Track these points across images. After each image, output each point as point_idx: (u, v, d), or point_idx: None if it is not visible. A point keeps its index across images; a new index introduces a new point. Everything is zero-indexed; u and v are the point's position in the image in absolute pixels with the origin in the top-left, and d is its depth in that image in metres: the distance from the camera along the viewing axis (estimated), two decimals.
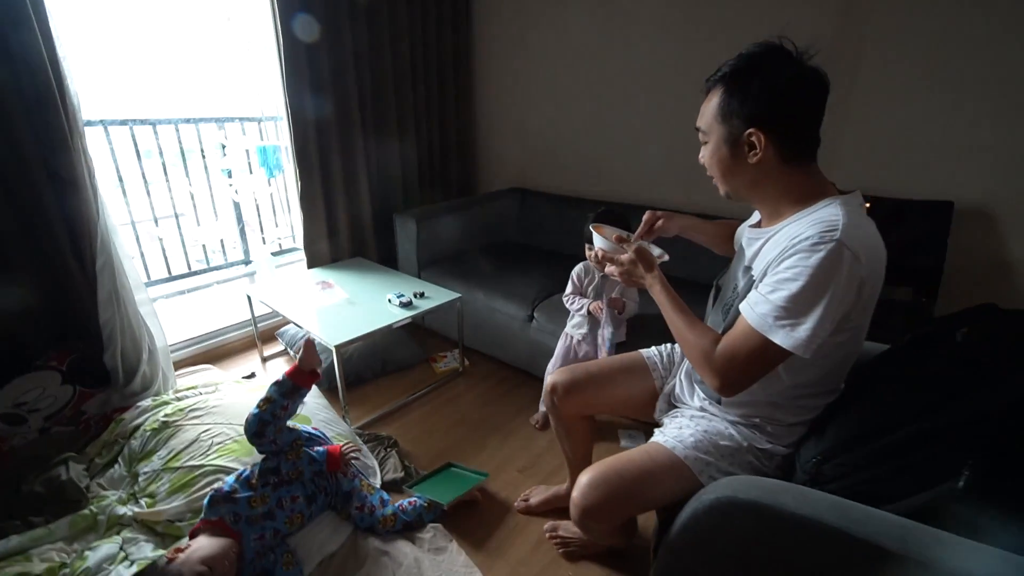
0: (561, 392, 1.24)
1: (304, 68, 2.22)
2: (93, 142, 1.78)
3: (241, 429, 1.53)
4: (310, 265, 2.50)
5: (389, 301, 2.01)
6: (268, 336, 2.50)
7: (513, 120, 2.90)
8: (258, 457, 1.37)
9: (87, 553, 1.18)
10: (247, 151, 3.07)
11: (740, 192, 0.95)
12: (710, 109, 0.91)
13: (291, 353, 2.34)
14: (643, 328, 1.78)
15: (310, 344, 1.40)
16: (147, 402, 1.72)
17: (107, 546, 1.21)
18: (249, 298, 2.24)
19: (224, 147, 2.88)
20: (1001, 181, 1.66)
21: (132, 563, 1.19)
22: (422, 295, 2.06)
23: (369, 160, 2.57)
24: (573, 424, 1.30)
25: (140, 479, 1.44)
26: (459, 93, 2.92)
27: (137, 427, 1.61)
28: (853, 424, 0.88)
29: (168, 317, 2.05)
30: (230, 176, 3.10)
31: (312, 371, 1.39)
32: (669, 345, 1.28)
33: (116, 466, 1.52)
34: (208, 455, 1.46)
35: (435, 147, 2.89)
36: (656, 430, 1.10)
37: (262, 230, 3.22)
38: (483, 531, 1.44)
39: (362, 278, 2.30)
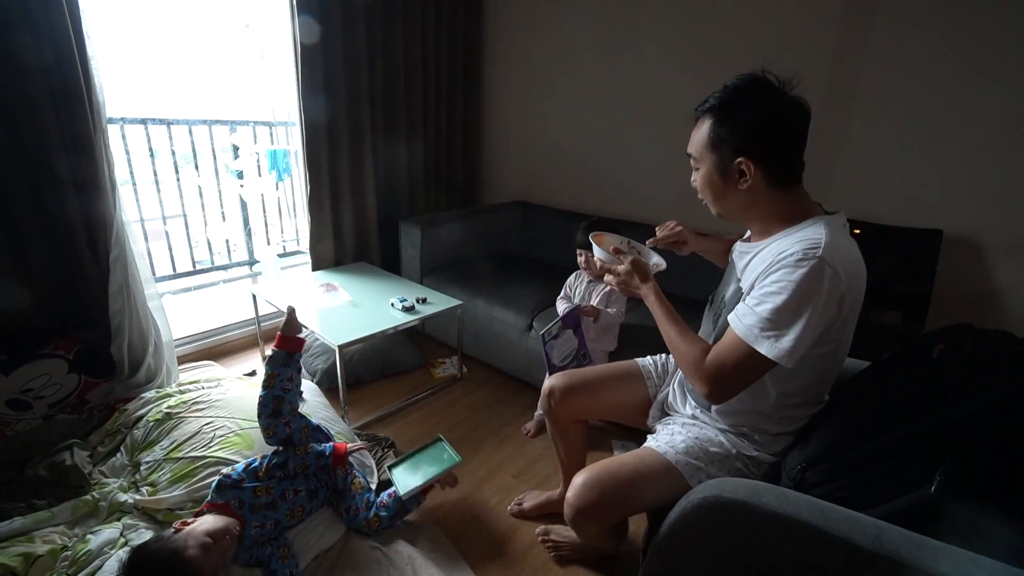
0: (558, 395, 1.28)
1: (319, 76, 2.29)
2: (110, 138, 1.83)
3: (242, 423, 1.57)
4: (314, 268, 2.55)
5: (392, 305, 2.05)
6: (270, 335, 2.53)
7: (517, 135, 2.98)
8: (262, 450, 1.40)
9: (88, 537, 1.20)
10: (257, 154, 3.14)
11: (731, 213, 1.01)
12: (700, 138, 0.97)
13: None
14: (636, 339, 1.82)
15: (292, 312, 1.40)
16: (150, 393, 1.75)
17: (108, 531, 1.23)
18: (254, 297, 2.29)
19: (237, 149, 2.94)
20: (988, 212, 1.73)
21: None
22: (424, 300, 2.10)
23: (377, 167, 2.64)
24: (569, 428, 1.34)
25: (142, 468, 1.47)
26: (466, 108, 3.00)
27: (140, 417, 1.64)
28: (834, 433, 0.92)
29: (172, 313, 2.09)
30: (240, 177, 3.16)
31: (294, 336, 1.40)
32: (663, 355, 1.32)
33: (118, 455, 1.55)
34: (210, 447, 1.49)
35: (441, 158, 2.96)
36: (649, 436, 1.14)
37: (267, 231, 3.27)
38: (477, 533, 1.46)
39: (365, 282, 2.35)
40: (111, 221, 1.71)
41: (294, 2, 2.15)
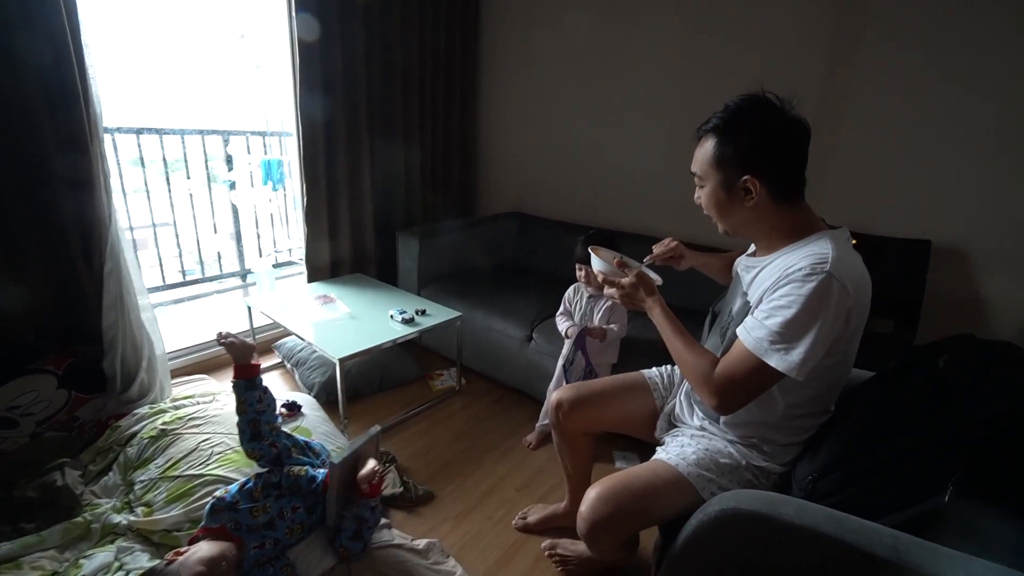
0: (566, 408, 1.28)
1: (318, 87, 2.29)
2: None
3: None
4: (310, 279, 2.53)
5: (391, 317, 2.04)
6: (264, 348, 2.50)
7: (514, 145, 3.00)
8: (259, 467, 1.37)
9: (82, 561, 1.16)
10: (249, 164, 3.11)
11: (737, 229, 1.03)
12: (704, 156, 0.98)
13: (287, 366, 2.34)
14: (637, 352, 1.83)
15: (228, 344, 1.33)
16: (144, 409, 1.71)
17: (102, 555, 1.19)
18: (249, 309, 2.26)
19: (231, 159, 2.92)
20: (975, 222, 1.78)
21: (128, 573, 1.17)
22: (424, 312, 2.09)
23: (374, 179, 2.63)
24: (576, 440, 1.34)
25: (136, 487, 1.43)
26: (463, 117, 3.02)
27: (134, 434, 1.59)
28: (844, 443, 0.93)
29: (164, 326, 2.05)
30: (233, 188, 3.13)
31: (246, 364, 1.33)
32: (669, 366, 1.33)
33: (111, 473, 1.50)
34: (208, 464, 1.45)
35: (438, 170, 2.97)
36: (658, 448, 1.15)
37: (259, 242, 3.23)
38: (482, 549, 1.45)
39: (362, 294, 2.33)
40: (106, 233, 1.68)
41: (292, 2, 2.15)
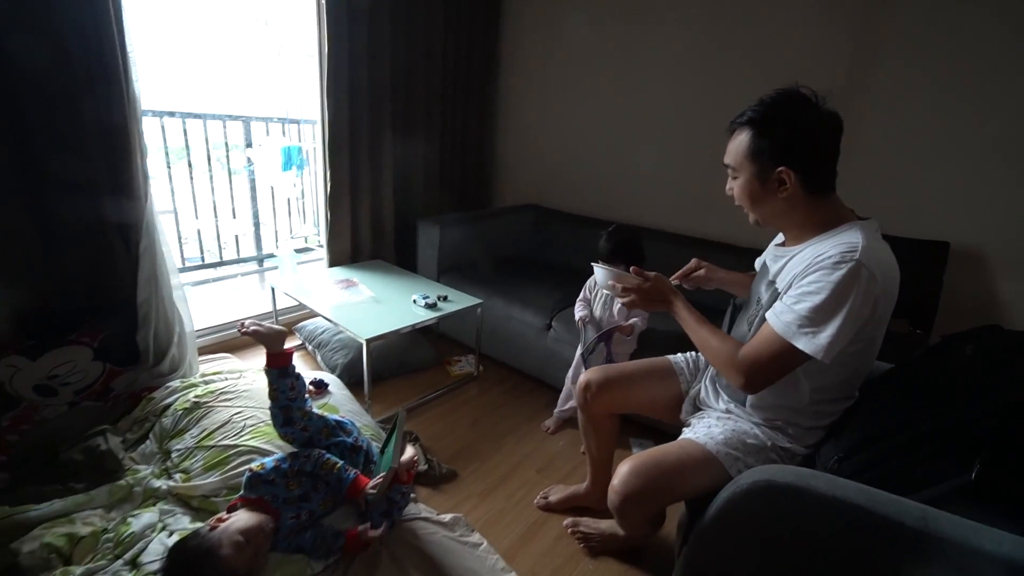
0: (594, 389, 1.32)
1: (344, 76, 2.33)
2: None
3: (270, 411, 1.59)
4: (331, 264, 2.57)
5: (414, 302, 2.08)
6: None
7: (532, 138, 3.03)
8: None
9: (129, 520, 1.21)
10: (270, 150, 3.15)
11: (768, 220, 1.07)
12: (738, 148, 1.02)
13: (308, 348, 2.38)
14: (654, 341, 1.87)
15: (254, 333, 1.34)
16: (176, 383, 1.76)
17: (148, 515, 1.24)
18: (273, 290, 2.30)
19: (251, 146, 2.96)
20: (994, 226, 1.81)
21: (171, 533, 1.22)
22: (445, 298, 2.13)
23: (395, 167, 2.67)
24: (601, 422, 1.38)
25: (173, 455, 1.48)
26: (483, 110, 3.05)
27: (167, 406, 1.64)
28: (870, 425, 0.97)
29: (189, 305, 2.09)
30: (252, 174, 3.17)
31: (279, 353, 1.35)
32: (694, 352, 1.37)
33: (147, 442, 1.55)
34: (241, 436, 1.50)
35: (456, 161, 3.01)
36: (685, 429, 1.19)
37: (276, 226, 3.28)
38: (506, 525, 1.50)
39: (383, 279, 2.38)
40: (142, 211, 1.73)
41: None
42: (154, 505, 1.31)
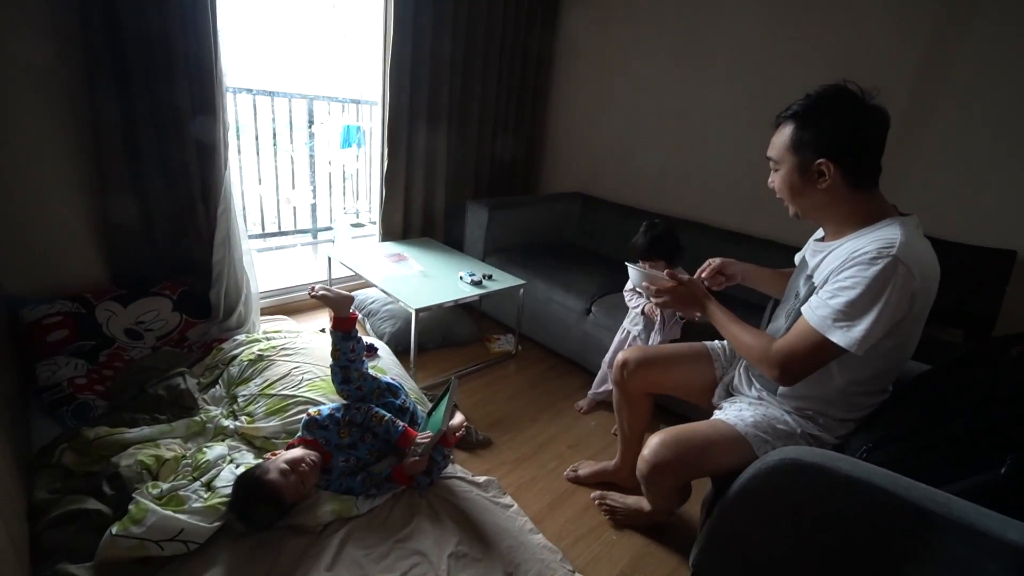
0: (632, 367, 1.38)
1: (407, 60, 2.42)
2: None
3: (326, 369, 1.72)
4: (383, 239, 2.70)
5: (461, 278, 2.18)
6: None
7: (583, 128, 3.06)
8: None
9: (205, 449, 1.37)
10: (333, 128, 3.32)
11: (808, 212, 1.08)
12: (781, 141, 1.04)
13: (359, 316, 2.53)
14: (698, 334, 1.89)
15: (322, 297, 1.42)
16: (242, 337, 1.93)
17: (219, 447, 1.39)
18: (329, 259, 2.45)
19: (313, 123, 3.13)
20: None
21: (237, 465, 1.37)
22: (490, 277, 2.22)
23: (448, 150, 2.76)
24: (636, 400, 1.43)
25: (239, 400, 1.63)
26: (536, 98, 3.10)
27: (234, 356, 1.81)
28: (904, 419, 0.99)
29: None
30: (312, 150, 3.35)
31: (346, 317, 1.45)
32: None
33: (217, 387, 1.72)
34: (299, 387, 1.64)
35: (507, 145, 3.07)
36: (716, 411, 1.23)
37: (331, 200, 3.45)
38: (536, 492, 1.58)
39: (432, 255, 2.49)
40: (221, 178, 1.89)
41: None
42: (223, 441, 1.46)
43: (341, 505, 1.30)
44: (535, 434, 1.83)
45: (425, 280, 2.16)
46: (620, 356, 1.41)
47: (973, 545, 0.75)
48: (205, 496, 1.21)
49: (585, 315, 2.18)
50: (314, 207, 3.48)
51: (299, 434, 1.42)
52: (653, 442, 1.12)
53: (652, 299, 1.24)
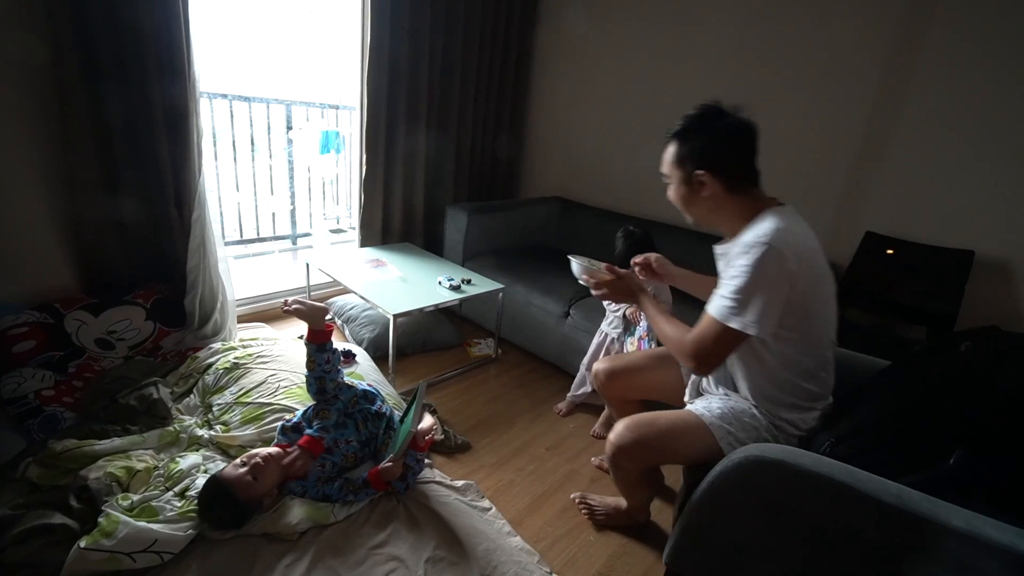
0: (603, 378, 1.44)
1: (384, 64, 2.43)
2: None
3: (302, 376, 1.71)
4: (362, 244, 2.69)
5: (439, 283, 2.18)
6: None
7: (561, 132, 3.09)
8: None
9: (178, 459, 1.35)
10: (311, 133, 3.30)
11: (701, 219, 1.18)
12: (668, 158, 1.15)
13: (337, 323, 2.52)
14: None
15: (296, 311, 1.41)
16: (217, 345, 1.91)
17: (193, 456, 1.38)
18: (307, 265, 2.44)
19: (291, 128, 3.11)
20: (1022, 236, 1.80)
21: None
22: (469, 282, 2.23)
23: (428, 154, 2.77)
24: (623, 407, 1.48)
25: (214, 409, 1.62)
26: (515, 102, 3.12)
27: (210, 365, 1.79)
28: (863, 414, 1.03)
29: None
30: (291, 156, 3.33)
31: (320, 329, 1.44)
32: None
33: (191, 396, 1.70)
34: (276, 395, 1.63)
35: (487, 149, 3.09)
36: (688, 404, 1.26)
37: (310, 205, 3.43)
38: (514, 495, 1.59)
39: (411, 260, 2.49)
40: (195, 184, 1.87)
41: None
42: (197, 451, 1.45)
43: (318, 513, 1.29)
44: (514, 437, 1.85)
45: (403, 285, 2.16)
46: (594, 368, 1.46)
47: (924, 533, 0.78)
48: (179, 505, 1.20)
49: (564, 318, 2.20)
50: (293, 213, 3.45)
51: (275, 441, 1.41)
52: (619, 427, 1.18)
53: (593, 292, 1.32)
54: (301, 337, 2.36)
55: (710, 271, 1.57)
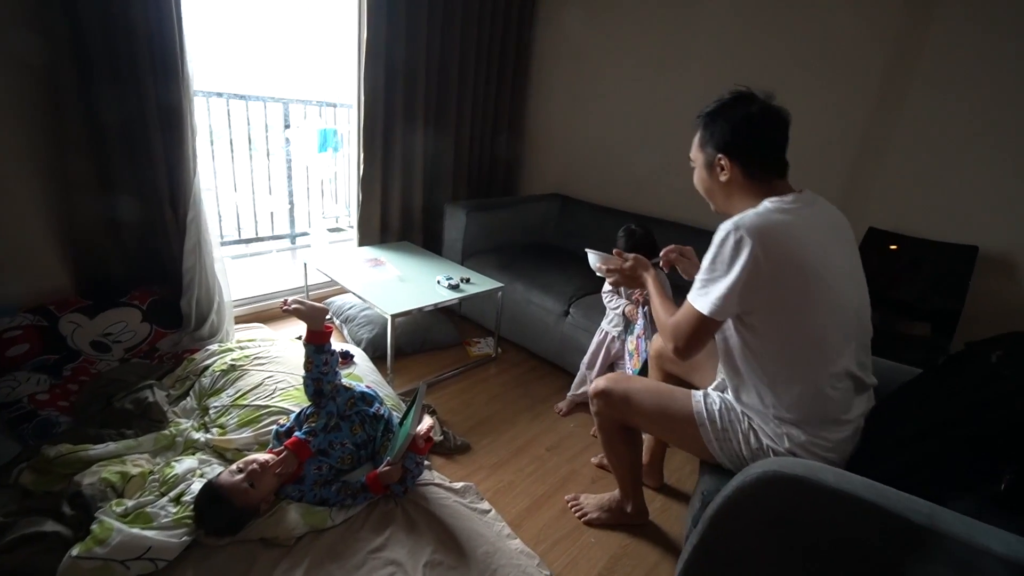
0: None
1: (381, 61, 2.40)
2: None
3: (300, 378, 1.69)
4: (360, 243, 2.67)
5: (438, 282, 2.16)
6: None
7: (560, 129, 3.06)
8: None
9: (173, 463, 1.33)
10: (307, 131, 3.27)
11: (719, 205, 1.16)
12: (695, 142, 1.16)
13: (336, 322, 2.50)
14: None
15: (295, 311, 1.41)
16: (214, 346, 1.89)
17: (189, 460, 1.36)
18: (305, 265, 2.42)
19: (289, 127, 3.08)
20: None
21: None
22: (468, 281, 2.21)
23: (426, 152, 2.74)
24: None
25: (211, 411, 1.60)
26: (514, 99, 3.09)
27: (207, 367, 1.77)
28: (891, 434, 0.99)
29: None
30: (288, 155, 3.30)
31: (320, 331, 1.43)
32: None
33: (188, 399, 1.68)
34: (272, 397, 1.61)
35: (486, 146, 3.06)
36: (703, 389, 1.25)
37: (309, 204, 3.40)
38: (513, 496, 1.57)
39: (410, 260, 2.47)
40: (190, 184, 1.85)
41: None
42: (193, 455, 1.43)
43: (315, 517, 1.28)
44: (514, 437, 1.83)
45: (402, 285, 2.14)
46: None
47: (955, 555, 0.73)
48: (174, 511, 1.18)
49: (564, 317, 2.18)
50: (291, 212, 3.43)
51: (270, 446, 1.40)
52: (611, 375, 1.28)
53: (607, 277, 1.35)
54: (299, 338, 2.34)
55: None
